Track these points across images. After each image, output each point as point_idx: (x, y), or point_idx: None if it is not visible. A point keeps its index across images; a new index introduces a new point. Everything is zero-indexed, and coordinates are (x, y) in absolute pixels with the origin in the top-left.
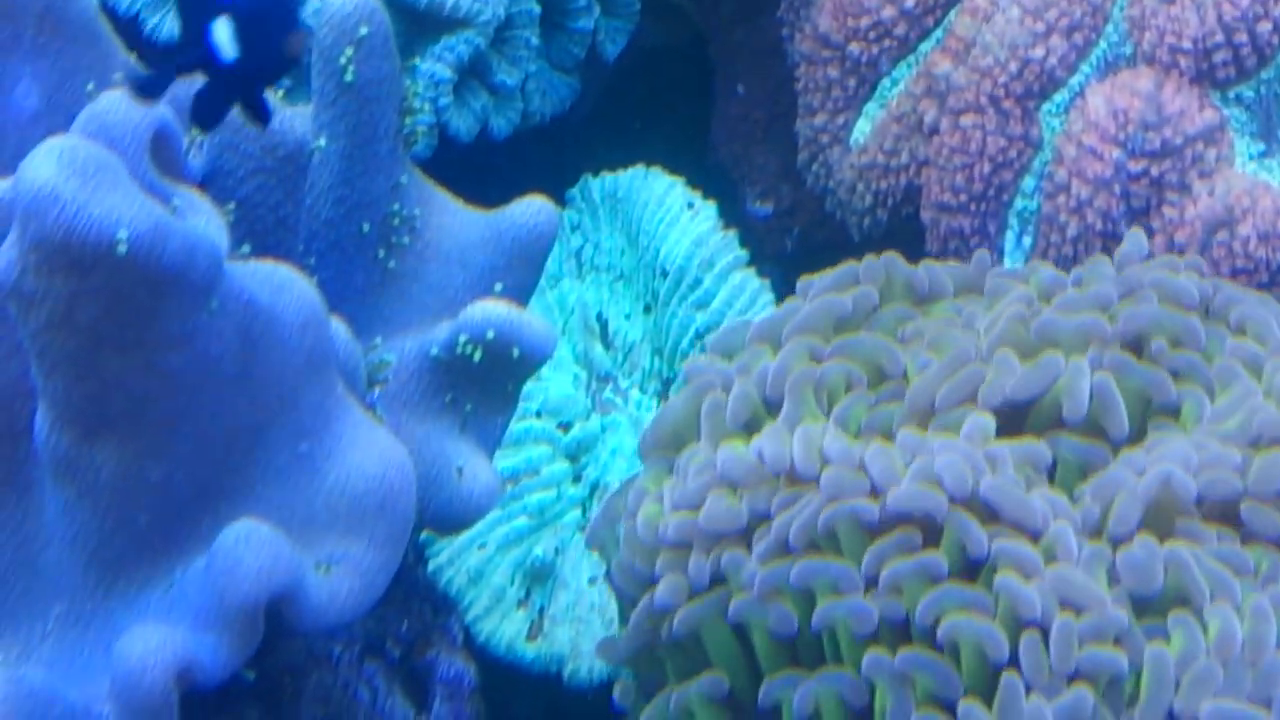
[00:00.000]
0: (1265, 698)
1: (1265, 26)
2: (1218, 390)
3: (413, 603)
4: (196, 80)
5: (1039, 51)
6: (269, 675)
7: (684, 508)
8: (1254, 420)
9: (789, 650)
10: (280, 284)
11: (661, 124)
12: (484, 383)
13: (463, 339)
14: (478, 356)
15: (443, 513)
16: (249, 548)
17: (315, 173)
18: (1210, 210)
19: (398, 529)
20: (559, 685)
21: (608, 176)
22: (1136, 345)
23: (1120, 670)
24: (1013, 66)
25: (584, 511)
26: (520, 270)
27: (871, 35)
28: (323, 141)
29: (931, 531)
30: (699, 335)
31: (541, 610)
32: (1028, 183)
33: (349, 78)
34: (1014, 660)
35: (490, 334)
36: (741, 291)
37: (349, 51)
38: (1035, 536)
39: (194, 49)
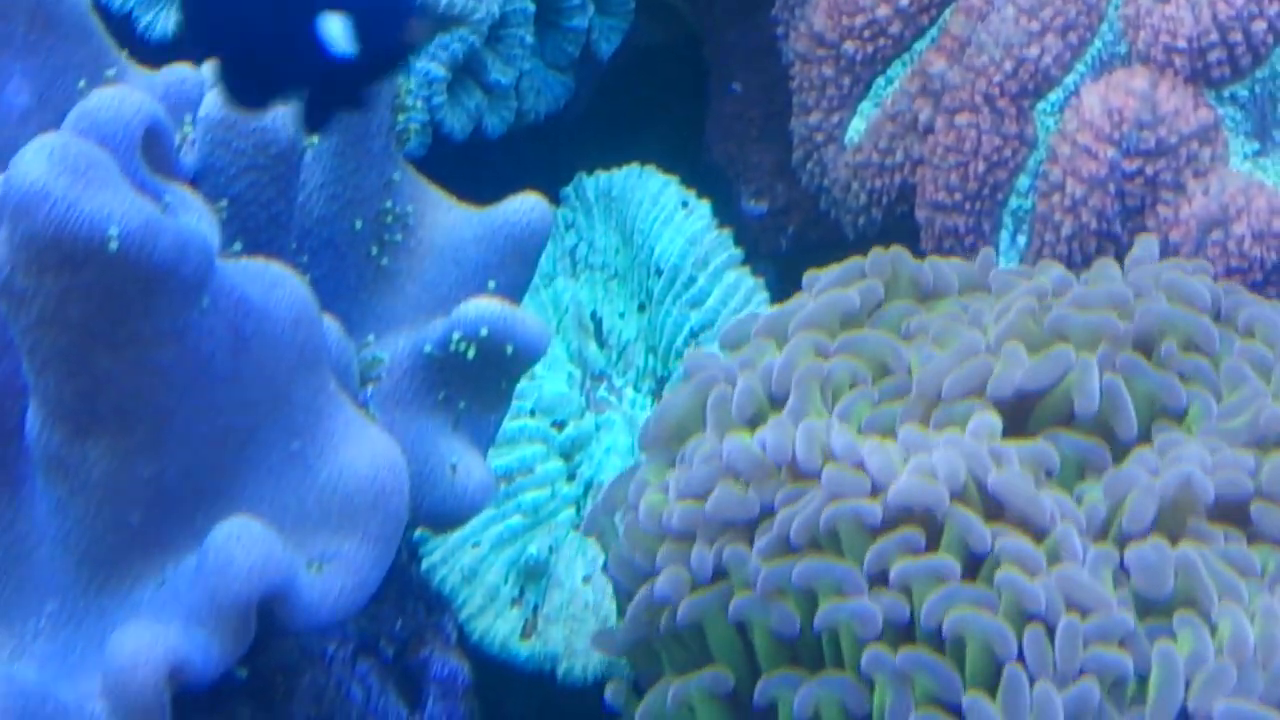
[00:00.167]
0: (1277, 700)
1: (1260, 25)
2: (1225, 391)
3: (406, 601)
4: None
5: (1034, 50)
6: (262, 674)
7: (689, 496)
8: (1261, 419)
9: (789, 649)
10: (272, 281)
11: (656, 122)
12: (477, 380)
13: (456, 336)
14: (471, 354)
15: (436, 510)
16: (241, 545)
17: (308, 170)
18: (1205, 209)
19: (390, 527)
20: (553, 684)
21: (602, 175)
22: (1147, 345)
23: (1126, 672)
24: (1008, 65)
25: (578, 510)
26: (514, 267)
27: (866, 34)
28: (315, 138)
29: (932, 528)
30: (693, 334)
31: (535, 609)
32: (1022, 181)
33: None
34: (1018, 657)
35: (484, 331)
36: (736, 290)
37: None
38: (1040, 535)
39: (301, 47)
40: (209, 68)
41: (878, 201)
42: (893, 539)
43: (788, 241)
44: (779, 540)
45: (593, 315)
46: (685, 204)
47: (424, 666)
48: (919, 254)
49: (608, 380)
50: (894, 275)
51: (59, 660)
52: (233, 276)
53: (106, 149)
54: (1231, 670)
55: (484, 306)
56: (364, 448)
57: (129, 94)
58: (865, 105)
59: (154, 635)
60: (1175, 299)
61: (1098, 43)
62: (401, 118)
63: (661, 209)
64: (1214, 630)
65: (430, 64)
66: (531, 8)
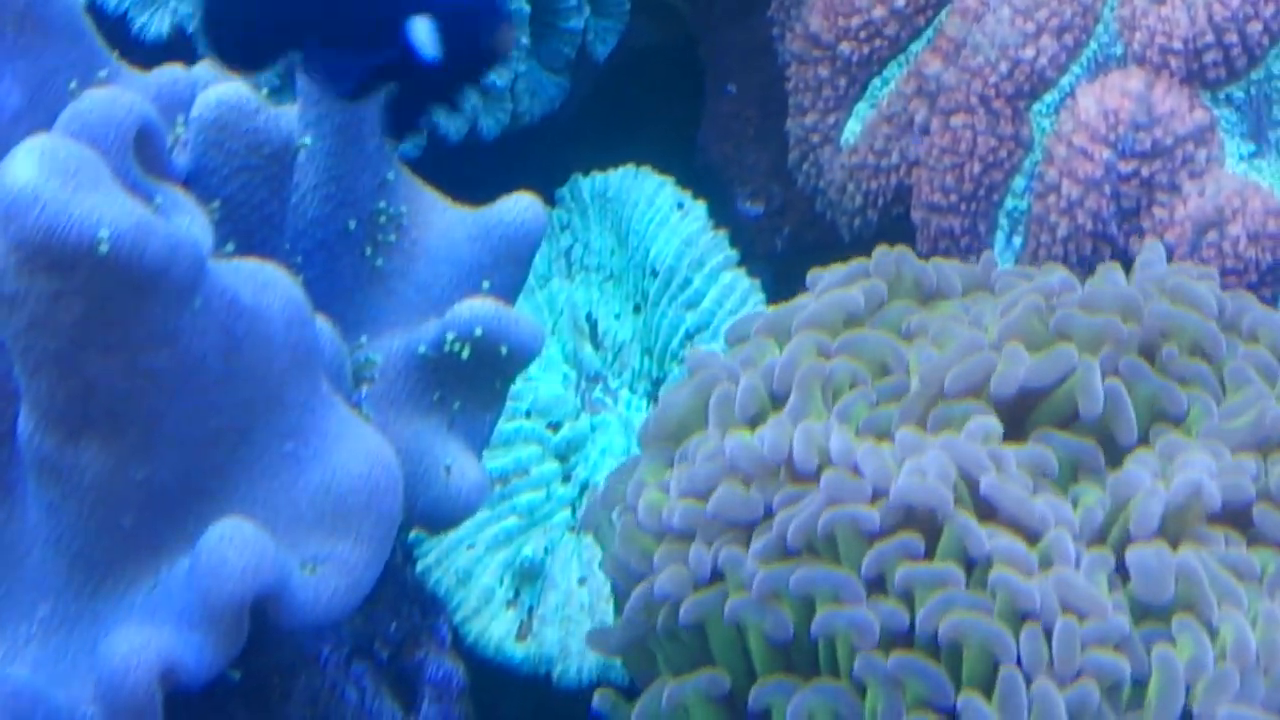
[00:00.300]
0: (1278, 707)
1: (1255, 27)
2: (1229, 392)
3: (401, 603)
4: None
5: (1029, 52)
6: (256, 676)
7: (691, 494)
8: (1266, 419)
9: (784, 653)
10: (264, 282)
11: (652, 124)
12: (472, 381)
13: (450, 337)
14: (465, 354)
15: (431, 511)
16: (233, 547)
17: (301, 171)
18: (1200, 211)
19: (384, 527)
20: (548, 686)
21: (597, 176)
22: (1152, 349)
23: (1122, 676)
24: (1003, 66)
25: (574, 512)
26: (508, 268)
27: (862, 35)
28: (309, 139)
29: (929, 532)
30: (689, 335)
31: (530, 610)
32: (1018, 183)
33: None
34: (1016, 660)
35: (478, 331)
36: (732, 291)
37: None
38: (1033, 539)
39: (389, 48)
40: (206, 68)
41: (873, 203)
42: (891, 544)
43: (783, 243)
44: (776, 543)
45: (588, 317)
46: (681, 205)
47: (419, 669)
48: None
49: (603, 382)
50: (898, 276)
51: (52, 664)
52: (225, 278)
53: (98, 150)
54: (1234, 676)
55: (478, 307)
56: (357, 448)
57: (120, 95)
58: (861, 106)
59: (146, 637)
60: (1182, 303)
61: (1093, 44)
62: None
63: (657, 210)
64: (1215, 635)
65: None
66: (527, 9)
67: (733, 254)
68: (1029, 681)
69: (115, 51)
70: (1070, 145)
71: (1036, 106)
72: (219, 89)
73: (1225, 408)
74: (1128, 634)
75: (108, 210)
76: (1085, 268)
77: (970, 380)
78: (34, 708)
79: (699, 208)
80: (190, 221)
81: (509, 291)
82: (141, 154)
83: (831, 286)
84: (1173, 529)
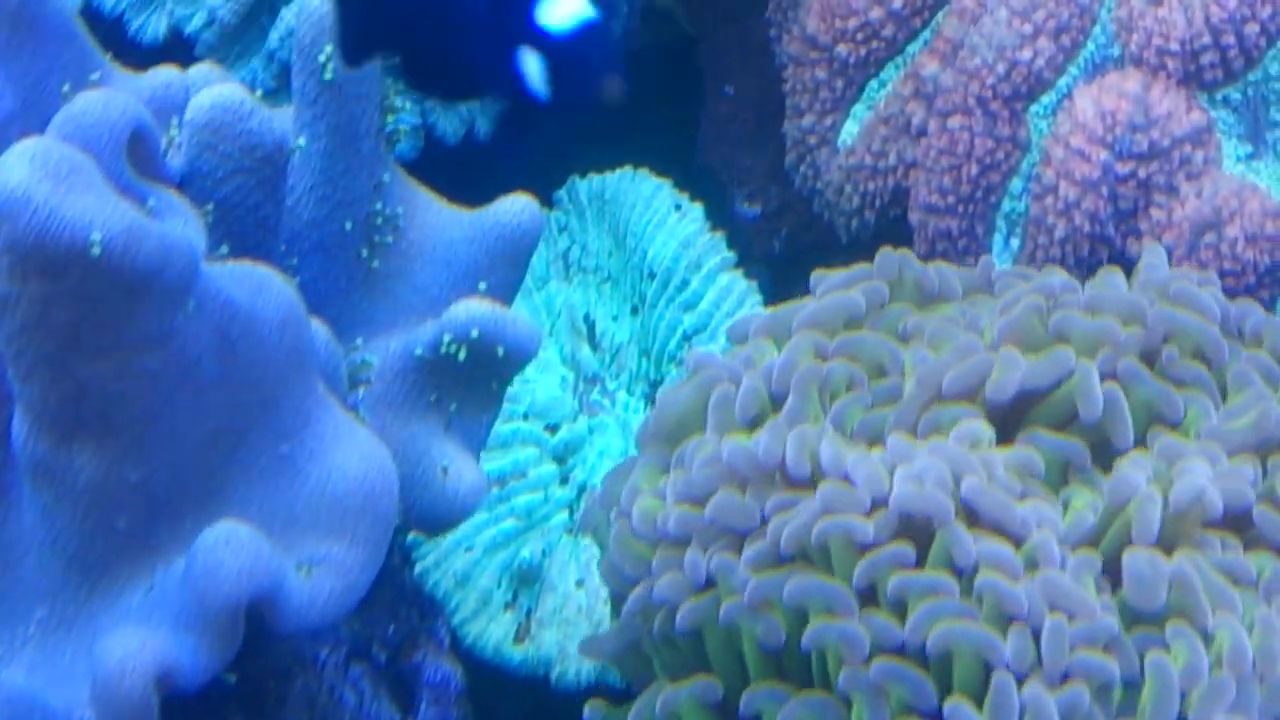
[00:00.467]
0: (1274, 715)
1: (1252, 29)
2: (1231, 393)
3: (399, 606)
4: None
5: (1026, 53)
6: (253, 679)
7: (688, 500)
8: (1267, 420)
9: (776, 660)
10: (258, 284)
11: (649, 125)
12: (469, 382)
13: (447, 338)
14: (462, 356)
15: (428, 513)
16: (229, 549)
17: (296, 172)
18: (1198, 212)
19: (380, 529)
20: (546, 688)
21: (595, 178)
22: (1154, 353)
23: (1111, 676)
24: (1000, 68)
25: (571, 514)
26: (504, 269)
27: (859, 36)
28: (303, 141)
29: (922, 539)
30: (686, 337)
31: (528, 613)
32: (1015, 184)
33: (329, 76)
34: (1007, 663)
35: (474, 333)
36: (729, 293)
37: (328, 49)
38: (1018, 542)
39: (501, 76)
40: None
41: (871, 204)
42: (883, 554)
43: (781, 244)
44: (770, 549)
45: (586, 318)
46: (678, 207)
47: (417, 671)
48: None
49: (601, 383)
50: (900, 278)
51: (48, 666)
52: (219, 280)
53: (91, 153)
54: (1230, 683)
55: (474, 308)
56: (353, 450)
57: (114, 97)
58: (858, 108)
59: (142, 640)
60: (1186, 309)
61: (1090, 45)
62: (391, 119)
63: (654, 212)
64: (1210, 641)
65: None
66: None
67: (730, 255)
68: (1019, 683)
69: (111, 54)
70: (1067, 147)
71: (1034, 108)
72: (213, 91)
73: (1226, 409)
74: (1116, 634)
75: (100, 213)
76: (1083, 269)
77: (966, 384)
78: (29, 712)
79: (696, 209)
80: (184, 224)
81: (506, 293)
82: (135, 156)
83: (833, 289)
84: (1170, 534)
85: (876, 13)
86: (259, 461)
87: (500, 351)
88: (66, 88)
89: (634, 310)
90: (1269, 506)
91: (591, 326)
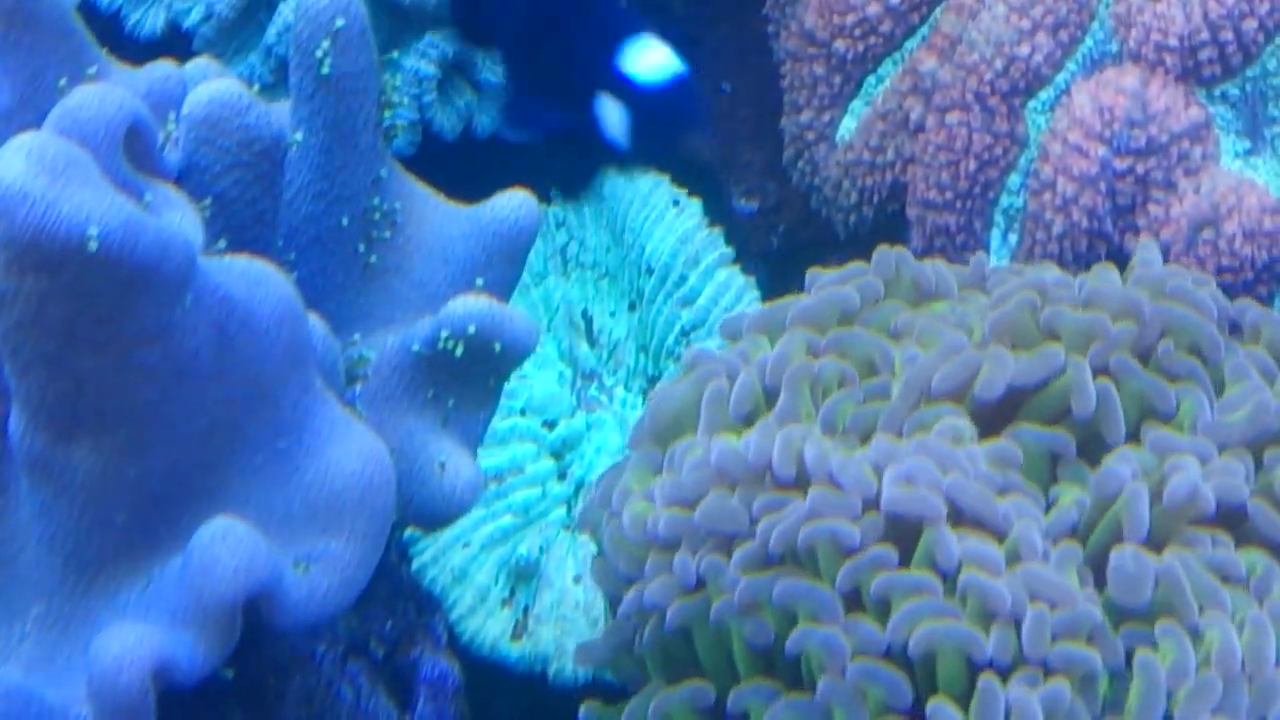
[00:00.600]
0: (1260, 715)
1: (1250, 24)
2: (1228, 385)
3: (396, 602)
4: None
5: (1025, 49)
6: (252, 676)
7: (678, 503)
8: (1265, 412)
9: (765, 660)
10: (256, 279)
11: None
12: (466, 378)
13: (444, 334)
14: (459, 352)
15: (425, 509)
16: (226, 545)
17: (294, 167)
18: (1196, 208)
19: (377, 525)
20: (543, 685)
21: (593, 173)
22: (1150, 350)
23: (1093, 666)
24: (998, 64)
25: (569, 510)
26: (502, 264)
27: (857, 32)
28: (300, 136)
29: (911, 539)
30: (684, 333)
31: (526, 609)
32: (1013, 180)
33: (326, 71)
34: (990, 660)
35: (472, 329)
36: (727, 289)
37: (325, 44)
38: (1000, 536)
39: (580, 114)
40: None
41: (869, 200)
42: (865, 557)
43: (779, 240)
44: (758, 551)
45: (583, 314)
46: (676, 202)
47: (414, 667)
48: (910, 253)
49: (599, 379)
50: (896, 276)
51: (45, 663)
52: (216, 275)
53: (88, 148)
54: (1217, 683)
55: (472, 304)
56: (350, 446)
57: (111, 92)
58: (856, 104)
59: (139, 636)
60: (1183, 305)
61: (1089, 41)
62: (388, 114)
63: (652, 208)
64: (1200, 640)
65: (420, 62)
66: None
67: (728, 251)
68: (1004, 677)
69: (108, 49)
70: (1065, 142)
71: (1032, 103)
72: (210, 86)
73: (1223, 401)
74: (1099, 623)
75: (96, 207)
76: (1081, 265)
77: (953, 384)
78: (26, 707)
79: (694, 205)
80: (181, 218)
81: (503, 288)
82: (132, 151)
83: (828, 285)
84: (1160, 531)
85: (874, 8)
86: (256, 457)
87: (498, 347)
88: (63, 82)
89: (632, 306)
90: (1264, 501)
91: (589, 322)
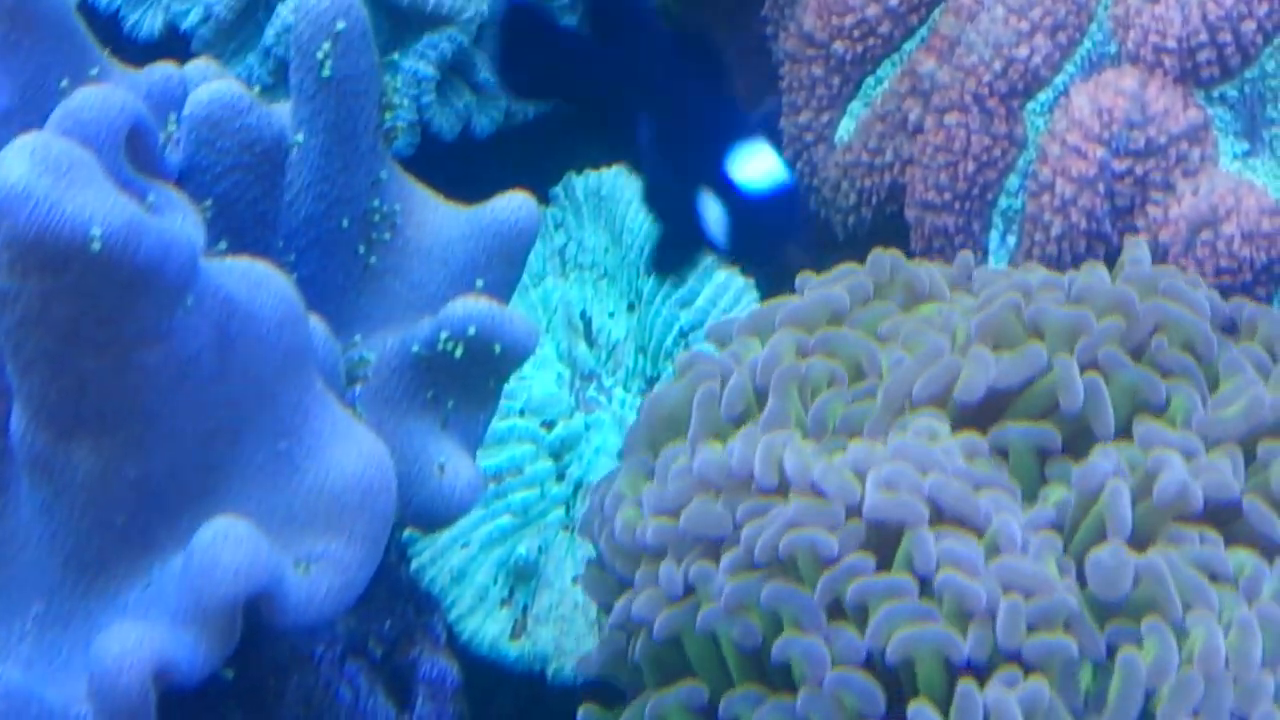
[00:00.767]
0: (1244, 714)
1: (1249, 26)
2: (1222, 379)
3: (395, 602)
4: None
5: (1023, 50)
6: (251, 676)
7: (664, 513)
8: (1260, 406)
9: (756, 663)
10: (257, 280)
11: None
12: (465, 379)
13: (444, 335)
14: (459, 353)
15: (425, 510)
16: (226, 545)
17: (294, 169)
18: (1194, 209)
19: (378, 526)
20: (542, 684)
21: (591, 174)
22: (1143, 347)
23: (1070, 654)
24: (997, 65)
25: (568, 510)
26: (502, 266)
27: (856, 33)
28: (301, 137)
29: (891, 545)
30: (683, 333)
31: (525, 609)
32: (1012, 181)
33: (327, 73)
34: (968, 661)
35: (472, 330)
36: (726, 290)
37: (326, 46)
38: (980, 532)
39: (681, 212)
40: None
41: (867, 201)
42: (842, 567)
43: None
44: (743, 557)
45: (582, 315)
46: None
47: (413, 667)
48: (909, 254)
49: (597, 380)
50: (890, 278)
51: (45, 662)
52: (218, 276)
53: (90, 148)
54: (1199, 682)
55: (471, 305)
56: (351, 447)
57: (112, 93)
58: (855, 105)
59: (140, 636)
60: (1176, 302)
61: (1087, 43)
62: (389, 116)
63: None
64: (1185, 638)
65: (419, 63)
66: None
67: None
68: (984, 674)
69: (106, 50)
70: (1064, 144)
71: (1030, 105)
72: (211, 87)
73: (1217, 396)
74: (1076, 611)
75: (100, 208)
76: (1079, 267)
77: (934, 390)
78: (26, 707)
79: None
80: (183, 219)
81: (503, 290)
82: (133, 152)
83: (818, 288)
84: (1147, 528)
85: (873, 10)
86: (257, 457)
87: (498, 349)
88: (65, 83)
89: (630, 307)
90: (1259, 498)
91: (588, 323)
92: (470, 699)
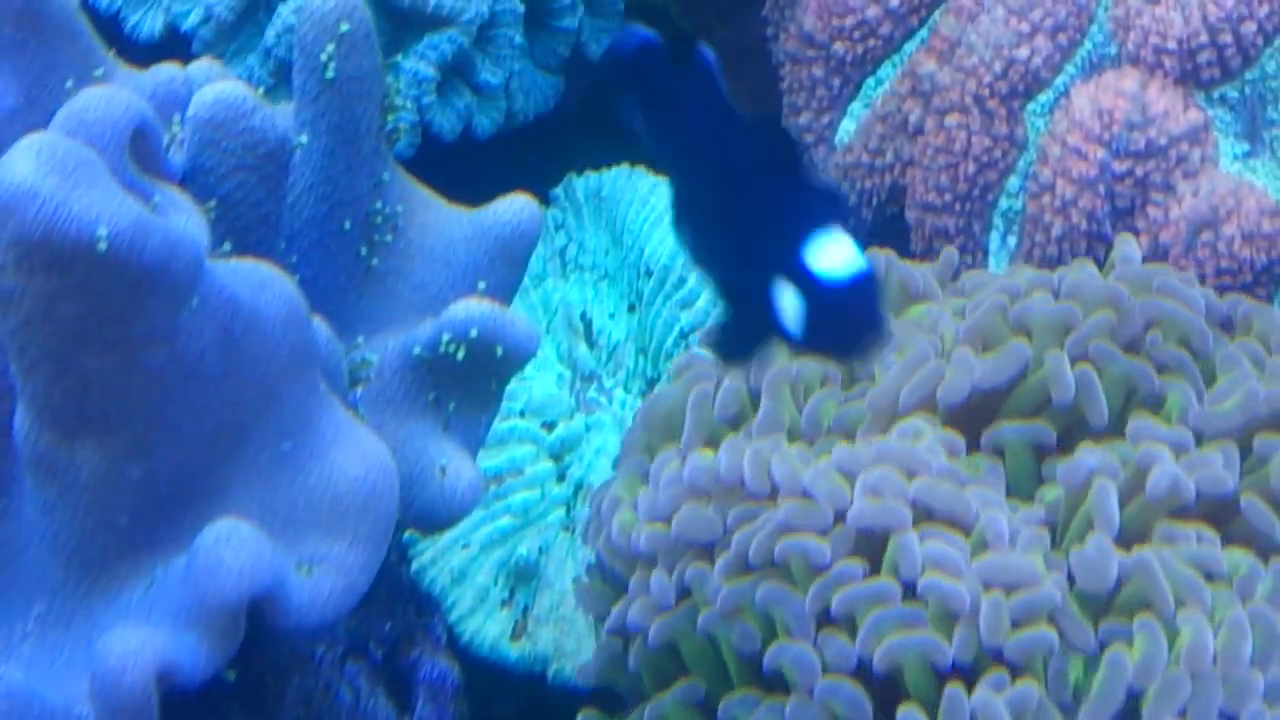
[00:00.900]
0: (1234, 713)
1: (1249, 27)
2: (1218, 375)
3: (396, 603)
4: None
5: (1024, 51)
6: (251, 677)
7: (656, 520)
8: (1255, 400)
9: (754, 665)
10: (261, 282)
11: None
12: (467, 381)
13: (446, 338)
14: (461, 355)
15: (426, 512)
16: (229, 547)
17: (297, 170)
18: (1195, 210)
19: (380, 528)
20: (543, 685)
21: (592, 176)
22: (1137, 343)
23: (1051, 646)
24: (997, 66)
25: (568, 511)
26: (503, 268)
27: (856, 34)
28: (304, 139)
29: (880, 549)
30: (683, 335)
31: (525, 610)
32: (1012, 183)
33: (330, 74)
34: (953, 664)
35: (473, 332)
36: None
37: (330, 48)
38: (969, 530)
39: (754, 300)
40: None
41: (868, 202)
42: (831, 575)
43: None
44: (737, 560)
45: (582, 316)
46: None
47: (413, 668)
48: (909, 255)
49: (598, 381)
50: (885, 278)
51: (47, 663)
52: (222, 277)
53: (95, 149)
54: (1187, 681)
55: (473, 308)
56: (354, 449)
57: (117, 93)
58: (855, 106)
59: (142, 637)
60: (1170, 299)
61: (1087, 44)
62: (391, 118)
63: (651, 210)
64: (1176, 637)
65: (419, 64)
66: (521, 8)
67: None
68: (971, 675)
69: (111, 51)
70: (1064, 145)
71: (1031, 106)
72: (215, 88)
73: (1214, 391)
74: (1060, 603)
75: (106, 208)
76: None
77: (923, 393)
78: (28, 708)
79: None
80: (187, 220)
81: (505, 292)
82: (138, 153)
83: None
84: (1141, 523)
85: (874, 11)
86: (260, 459)
87: (499, 351)
88: (70, 84)
89: (631, 308)
90: (1257, 496)
91: (589, 324)
92: (471, 700)
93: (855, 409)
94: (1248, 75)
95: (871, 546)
